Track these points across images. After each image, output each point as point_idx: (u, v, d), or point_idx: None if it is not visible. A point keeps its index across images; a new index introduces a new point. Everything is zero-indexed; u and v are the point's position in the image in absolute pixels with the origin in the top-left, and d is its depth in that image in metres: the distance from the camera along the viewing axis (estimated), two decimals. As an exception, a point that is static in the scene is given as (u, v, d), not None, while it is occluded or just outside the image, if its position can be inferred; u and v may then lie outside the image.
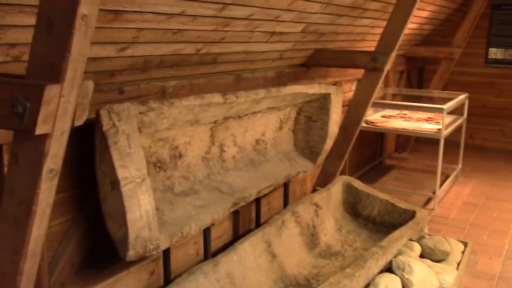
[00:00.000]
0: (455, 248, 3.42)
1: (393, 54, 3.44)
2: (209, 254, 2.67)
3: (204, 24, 2.31)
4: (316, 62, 3.73)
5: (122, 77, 2.22)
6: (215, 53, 2.65)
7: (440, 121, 4.50)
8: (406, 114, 5.29)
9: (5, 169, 1.75)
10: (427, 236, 3.43)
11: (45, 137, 1.30)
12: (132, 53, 2.12)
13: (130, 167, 1.89)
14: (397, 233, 3.02)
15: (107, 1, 1.73)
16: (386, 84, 5.66)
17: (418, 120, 5.04)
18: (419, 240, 3.40)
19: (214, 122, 2.62)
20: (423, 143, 6.46)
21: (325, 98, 3.26)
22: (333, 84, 4.01)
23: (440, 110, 4.45)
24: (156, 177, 2.32)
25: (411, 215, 3.35)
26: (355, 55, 3.59)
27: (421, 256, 3.29)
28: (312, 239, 3.21)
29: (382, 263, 2.79)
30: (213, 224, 2.53)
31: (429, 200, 4.70)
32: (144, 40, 2.10)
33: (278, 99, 2.86)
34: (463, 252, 3.44)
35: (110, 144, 1.84)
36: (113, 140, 1.85)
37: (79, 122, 1.39)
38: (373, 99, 3.66)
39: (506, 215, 4.38)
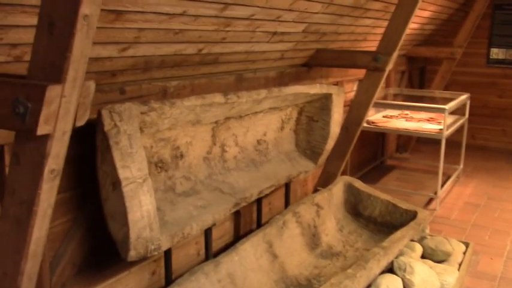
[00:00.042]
0: (456, 248, 3.42)
1: (395, 54, 3.44)
2: (210, 254, 2.67)
3: (206, 24, 2.31)
4: (318, 62, 3.73)
5: (123, 77, 2.22)
6: (216, 53, 2.65)
7: (442, 121, 4.50)
8: (407, 114, 5.29)
9: (7, 169, 1.75)
10: (428, 237, 3.43)
11: (46, 137, 1.30)
12: (133, 53, 2.12)
13: (131, 167, 1.89)
14: (398, 233, 3.02)
15: (108, 1, 1.73)
16: (387, 84, 5.66)
17: (419, 120, 5.03)
18: (421, 240, 3.39)
19: (216, 122, 2.62)
20: (424, 143, 6.45)
21: (326, 98, 3.26)
22: (335, 84, 4.00)
23: (442, 110, 4.45)
24: (158, 177, 2.32)
25: (412, 216, 3.35)
26: (357, 55, 3.58)
27: (423, 257, 3.29)
28: (313, 240, 3.21)
29: (384, 263, 2.79)
30: (214, 225, 2.53)
31: (430, 200, 4.69)
32: (145, 40, 2.10)
33: (279, 100, 2.86)
34: (464, 253, 3.43)
35: (111, 145, 1.84)
36: (115, 140, 1.85)
37: (80, 122, 1.39)
38: (374, 99, 3.66)
39: (508, 215, 4.38)
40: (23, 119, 1.26)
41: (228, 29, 2.49)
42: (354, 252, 3.27)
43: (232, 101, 2.38)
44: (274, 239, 2.88)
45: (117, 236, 2.01)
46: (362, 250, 3.28)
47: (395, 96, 5.72)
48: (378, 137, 5.79)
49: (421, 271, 2.87)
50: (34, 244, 1.42)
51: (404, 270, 2.85)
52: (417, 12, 3.59)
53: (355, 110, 3.70)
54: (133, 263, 2.31)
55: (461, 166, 5.45)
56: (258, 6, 2.47)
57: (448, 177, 5.12)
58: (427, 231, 3.57)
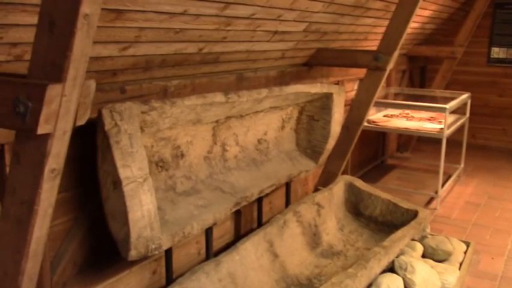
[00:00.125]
0: (457, 248, 3.41)
1: (395, 54, 3.43)
2: (211, 253, 2.67)
3: (206, 23, 2.31)
4: (319, 61, 3.72)
5: (123, 76, 2.22)
6: (217, 52, 2.65)
7: (443, 120, 4.49)
8: (408, 113, 5.28)
9: (7, 169, 1.75)
10: (429, 236, 3.43)
11: (47, 136, 1.30)
12: (134, 52, 2.12)
13: (132, 167, 1.89)
14: (399, 232, 3.02)
15: (109, 0, 1.73)
16: (388, 84, 5.65)
17: (420, 119, 5.03)
18: (422, 240, 3.39)
19: (216, 121, 2.62)
20: (425, 143, 6.45)
21: (327, 98, 3.26)
22: (335, 84, 4.00)
23: (443, 110, 4.44)
24: (158, 176, 2.32)
25: (413, 215, 3.34)
26: (358, 54, 3.58)
27: (423, 256, 3.29)
28: (314, 239, 3.21)
29: (385, 263, 2.78)
30: (215, 224, 2.52)
31: (431, 199, 4.69)
32: (146, 39, 2.10)
33: (280, 99, 2.85)
34: (465, 252, 3.43)
35: (112, 144, 1.84)
36: (115, 139, 1.84)
37: (81, 122, 1.39)
38: (375, 99, 3.65)
39: (508, 214, 4.37)
40: (23, 118, 1.26)
41: (228, 28, 2.49)
42: (355, 251, 3.27)
43: (233, 100, 2.38)
44: (274, 238, 2.88)
45: (117, 235, 2.01)
46: (363, 249, 3.28)
47: (396, 96, 5.72)
48: (379, 136, 5.78)
49: (422, 270, 2.87)
50: (35, 243, 1.42)
51: (405, 270, 2.85)
52: (418, 11, 3.59)
53: (356, 109, 3.70)
54: (134, 263, 2.31)
55: (462, 165, 5.45)
56: (259, 6, 2.47)
57: (449, 177, 5.12)
58: (428, 230, 3.56)
